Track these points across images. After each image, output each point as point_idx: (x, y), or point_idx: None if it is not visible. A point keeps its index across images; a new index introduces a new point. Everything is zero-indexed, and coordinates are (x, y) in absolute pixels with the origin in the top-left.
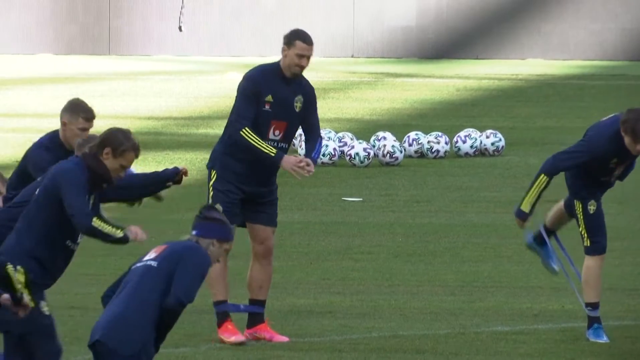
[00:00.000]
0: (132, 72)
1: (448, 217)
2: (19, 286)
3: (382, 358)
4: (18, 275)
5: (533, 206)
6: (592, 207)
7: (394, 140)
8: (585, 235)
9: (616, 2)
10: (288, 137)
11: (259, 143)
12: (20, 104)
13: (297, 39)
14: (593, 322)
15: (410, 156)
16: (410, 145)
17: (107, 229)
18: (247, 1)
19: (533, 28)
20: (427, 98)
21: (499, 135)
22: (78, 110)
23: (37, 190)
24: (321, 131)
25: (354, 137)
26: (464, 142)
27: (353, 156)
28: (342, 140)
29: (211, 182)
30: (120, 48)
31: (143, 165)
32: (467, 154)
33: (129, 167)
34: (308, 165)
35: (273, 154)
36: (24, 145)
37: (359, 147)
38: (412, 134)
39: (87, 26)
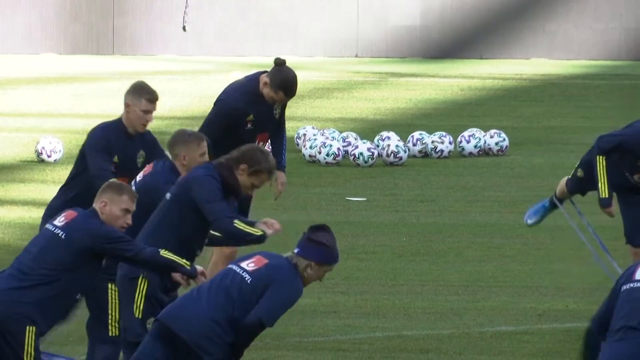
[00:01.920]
0: (136, 72)
1: (452, 217)
2: (183, 261)
3: (386, 357)
4: (141, 285)
5: (609, 186)
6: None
7: (398, 140)
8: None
9: (621, 2)
10: (270, 140)
11: None
12: (24, 103)
13: (281, 90)
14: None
15: (414, 156)
16: (414, 145)
17: (247, 229)
18: (251, 1)
19: (537, 28)
20: (431, 98)
21: (503, 135)
22: (141, 92)
23: (167, 199)
24: (324, 133)
25: (358, 137)
26: (468, 141)
27: (357, 156)
28: (346, 140)
29: None
30: (124, 48)
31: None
32: (471, 153)
33: (260, 187)
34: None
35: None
36: (27, 145)
37: (363, 147)
38: (416, 134)
39: (91, 26)
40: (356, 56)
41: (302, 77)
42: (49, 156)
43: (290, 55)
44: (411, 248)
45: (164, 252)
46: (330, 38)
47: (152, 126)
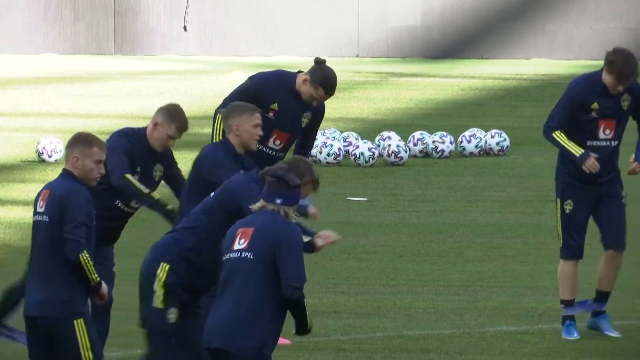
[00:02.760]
0: (137, 72)
1: (453, 217)
2: (93, 276)
3: (387, 357)
4: (160, 274)
5: (575, 146)
6: (567, 207)
7: (399, 140)
8: (560, 234)
9: (621, 2)
10: (286, 148)
11: (217, 132)
12: (24, 103)
13: (323, 86)
14: (565, 319)
15: (415, 156)
16: (415, 145)
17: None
18: (251, 1)
19: (538, 28)
20: (431, 98)
21: (504, 135)
22: (174, 118)
23: (208, 200)
24: (325, 133)
25: (359, 137)
26: (469, 141)
27: (358, 156)
28: (347, 140)
29: None
30: (125, 48)
31: None
32: (472, 153)
33: (304, 198)
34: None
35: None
36: (28, 145)
37: (363, 147)
38: (417, 134)
39: (91, 26)
40: (357, 56)
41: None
42: (49, 156)
43: (291, 55)
44: (412, 248)
45: (84, 256)
46: (331, 38)
47: None
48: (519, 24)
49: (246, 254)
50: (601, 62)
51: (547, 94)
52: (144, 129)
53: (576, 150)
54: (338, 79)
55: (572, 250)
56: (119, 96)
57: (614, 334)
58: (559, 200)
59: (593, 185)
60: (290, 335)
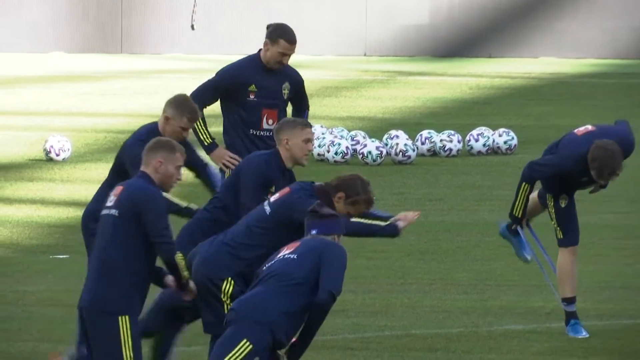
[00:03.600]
0: (145, 71)
1: (460, 216)
2: (184, 273)
3: (395, 356)
4: (226, 288)
5: (524, 209)
6: (563, 202)
7: (407, 139)
8: (558, 228)
9: (629, 1)
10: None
11: (200, 127)
12: (32, 102)
13: (281, 38)
14: (570, 317)
15: (422, 155)
16: (422, 143)
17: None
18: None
19: (546, 26)
20: (439, 96)
21: (512, 133)
22: (184, 110)
23: (265, 212)
24: (333, 132)
25: (367, 136)
26: (477, 140)
27: (365, 155)
28: (355, 138)
29: None
30: (133, 46)
31: None
32: (479, 152)
33: (355, 216)
34: (236, 159)
35: (206, 143)
36: (36, 143)
37: (371, 146)
38: (425, 133)
39: (99, 25)
40: (364, 55)
41: (310, 76)
42: (57, 155)
43: (298, 54)
44: (420, 247)
45: (179, 256)
46: (338, 36)
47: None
48: (527, 22)
49: (292, 255)
50: (608, 61)
51: (555, 93)
52: (155, 125)
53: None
54: (345, 78)
55: (572, 236)
56: (126, 95)
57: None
58: (551, 197)
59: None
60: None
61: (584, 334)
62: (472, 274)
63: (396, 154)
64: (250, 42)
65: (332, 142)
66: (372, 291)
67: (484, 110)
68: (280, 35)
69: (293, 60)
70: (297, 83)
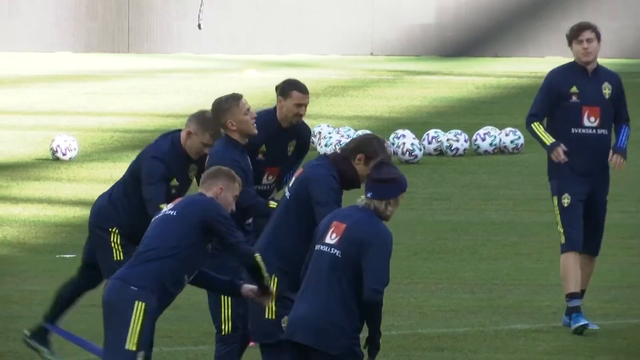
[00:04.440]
0: (151, 70)
1: (467, 215)
2: (266, 275)
3: (401, 356)
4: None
5: (549, 136)
6: (565, 200)
7: (413, 138)
8: (561, 231)
9: (635, 1)
10: (279, 180)
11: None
12: (39, 101)
13: (293, 90)
14: (571, 312)
15: (429, 154)
16: (429, 143)
17: None
18: None
19: (552, 25)
20: (446, 96)
21: (519, 133)
22: (207, 126)
23: (286, 197)
24: (340, 131)
25: None
26: (483, 140)
27: None
28: None
29: None
30: (140, 46)
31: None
32: (486, 151)
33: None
34: None
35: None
36: (42, 143)
37: None
38: (432, 132)
39: (106, 24)
40: (371, 54)
41: (317, 76)
42: (64, 154)
43: (304, 54)
44: (426, 246)
45: (258, 257)
46: (345, 36)
47: (166, 124)
48: (533, 22)
49: (335, 251)
50: (614, 61)
51: None
52: (177, 138)
53: (547, 140)
54: (352, 78)
55: (573, 241)
56: (133, 94)
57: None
58: (555, 198)
59: (585, 178)
60: None
61: (584, 321)
62: (479, 273)
63: (403, 154)
64: (256, 42)
65: (339, 141)
66: None
67: (491, 110)
68: (291, 88)
69: (300, 60)
70: (303, 143)
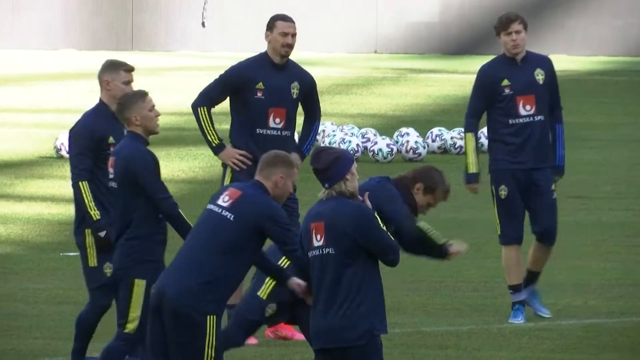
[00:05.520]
0: (156, 68)
1: (471, 213)
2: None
3: (405, 354)
4: None
5: (477, 165)
6: (503, 192)
7: (417, 136)
8: (497, 222)
9: None
10: (290, 123)
11: (208, 127)
12: (43, 99)
13: (278, 20)
14: (514, 304)
15: (433, 152)
16: (433, 141)
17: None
18: None
19: (556, 24)
20: (450, 94)
21: None
22: (116, 66)
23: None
24: (343, 129)
25: (377, 133)
26: (487, 138)
27: (376, 152)
28: (365, 136)
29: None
30: (144, 44)
31: (166, 161)
32: None
33: (435, 206)
34: (246, 157)
35: (214, 144)
36: (46, 141)
37: (382, 143)
38: (435, 130)
39: (110, 22)
40: (375, 52)
41: (321, 74)
42: (68, 152)
43: (309, 51)
44: None
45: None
46: (349, 34)
47: (170, 122)
48: (537, 20)
49: (327, 250)
50: (619, 59)
51: (565, 90)
52: (97, 104)
53: (472, 166)
54: (356, 76)
55: (509, 236)
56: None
57: (545, 314)
58: (494, 188)
59: (522, 171)
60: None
61: (520, 319)
62: (483, 272)
63: (407, 152)
64: (261, 39)
65: (343, 139)
66: (383, 288)
67: None
68: (276, 19)
69: (304, 58)
70: (307, 84)
